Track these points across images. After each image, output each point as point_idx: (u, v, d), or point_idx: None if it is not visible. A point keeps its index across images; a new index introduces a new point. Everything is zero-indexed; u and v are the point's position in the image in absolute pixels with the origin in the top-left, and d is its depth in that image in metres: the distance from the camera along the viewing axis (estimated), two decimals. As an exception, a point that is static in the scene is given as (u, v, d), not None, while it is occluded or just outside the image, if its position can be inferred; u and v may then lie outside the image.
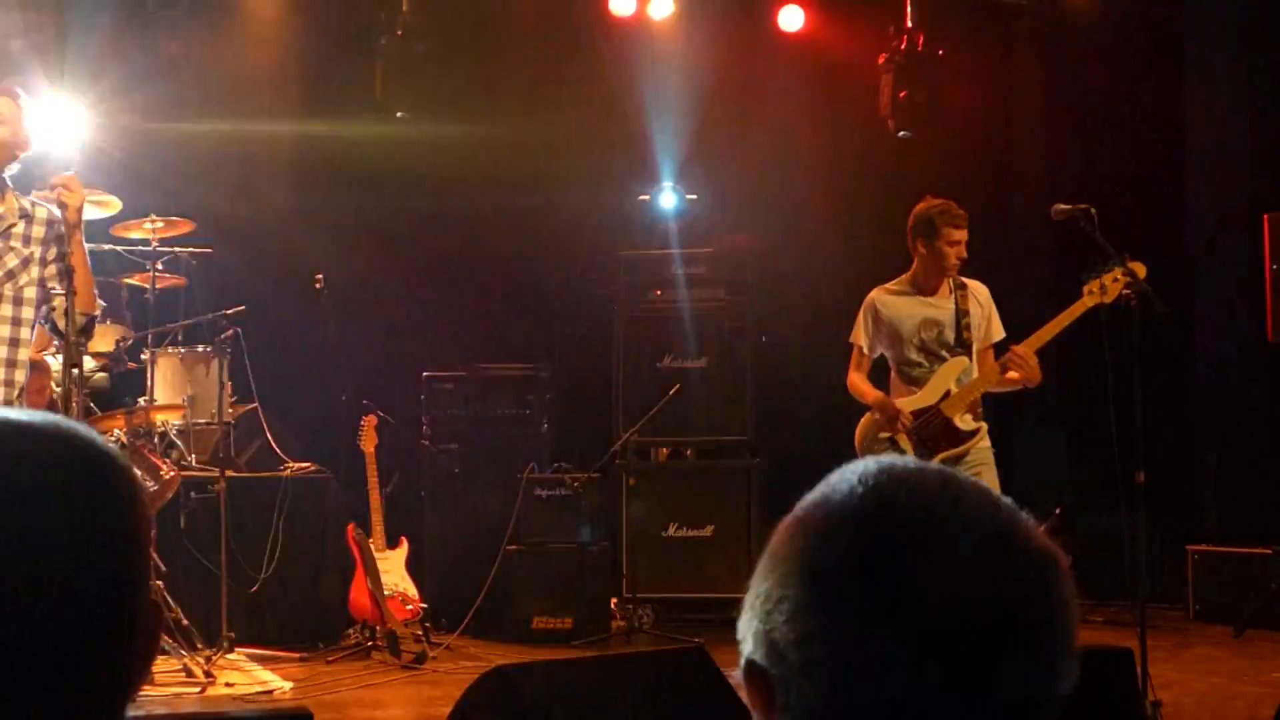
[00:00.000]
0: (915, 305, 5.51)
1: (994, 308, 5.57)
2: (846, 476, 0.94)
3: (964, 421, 5.41)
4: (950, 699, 0.84)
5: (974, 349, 5.48)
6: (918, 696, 0.85)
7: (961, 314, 5.46)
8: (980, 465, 5.39)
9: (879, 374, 5.67)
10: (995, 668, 0.85)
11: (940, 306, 5.49)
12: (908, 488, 0.91)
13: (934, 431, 5.38)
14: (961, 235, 5.40)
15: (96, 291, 5.00)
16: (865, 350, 5.61)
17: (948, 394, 5.41)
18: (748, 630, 0.93)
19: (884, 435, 5.45)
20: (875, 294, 5.61)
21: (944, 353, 5.47)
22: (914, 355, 5.49)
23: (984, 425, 5.45)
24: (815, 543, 0.90)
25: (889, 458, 0.95)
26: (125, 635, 0.95)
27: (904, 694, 0.85)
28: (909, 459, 0.95)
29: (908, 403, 5.44)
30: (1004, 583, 0.87)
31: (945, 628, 0.85)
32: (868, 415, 5.55)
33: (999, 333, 5.55)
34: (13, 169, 4.80)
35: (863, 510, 0.90)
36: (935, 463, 1.03)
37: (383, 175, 8.39)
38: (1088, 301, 5.19)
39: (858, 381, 5.62)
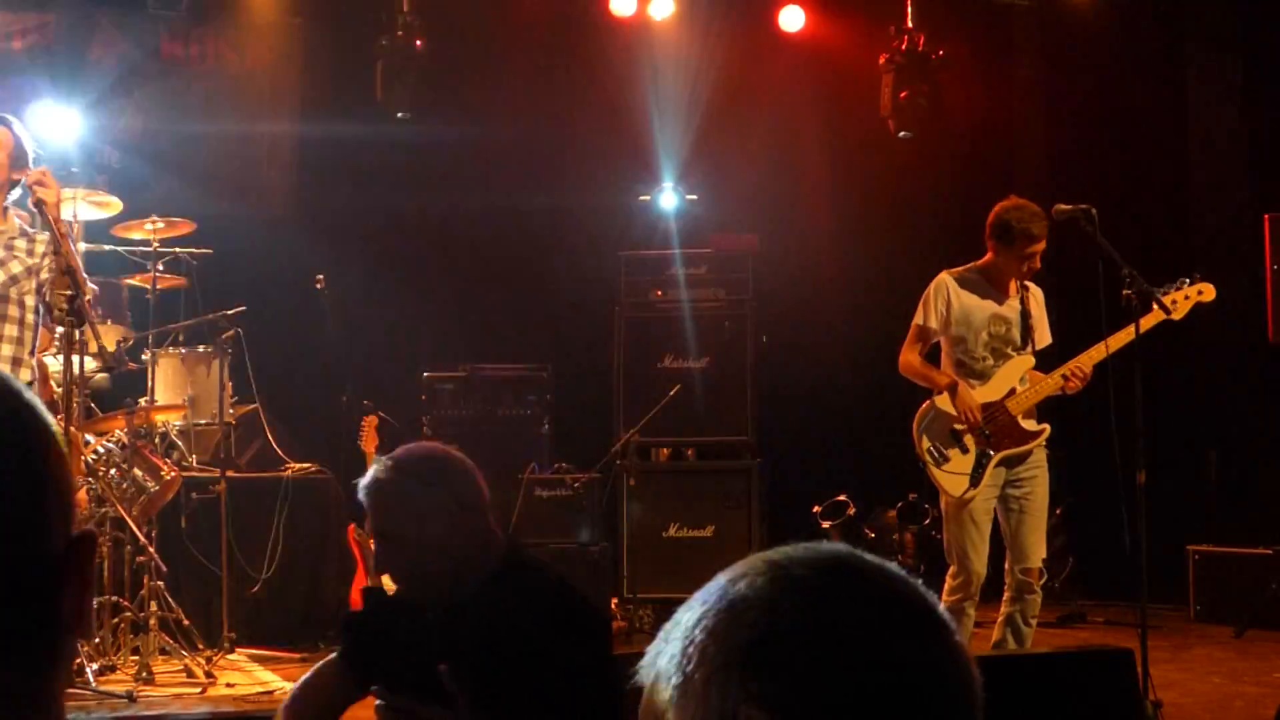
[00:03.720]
0: (986, 298, 5.36)
1: (1044, 314, 5.49)
2: (758, 573, 0.97)
3: (1027, 422, 5.33)
4: None
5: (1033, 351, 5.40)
6: None
7: (1026, 314, 5.36)
8: (1038, 468, 5.34)
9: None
10: None
11: (1009, 304, 5.36)
12: (846, 567, 0.95)
13: (998, 428, 5.27)
14: (1038, 246, 5.21)
15: (96, 288, 5.12)
16: (934, 334, 5.38)
17: (1012, 392, 5.31)
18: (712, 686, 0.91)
19: (959, 427, 5.28)
20: (948, 278, 5.38)
21: (1010, 351, 5.35)
22: (980, 350, 5.33)
23: (1047, 427, 5.35)
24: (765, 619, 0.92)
25: (778, 551, 0.97)
26: (50, 568, 0.91)
27: None
28: (791, 547, 0.97)
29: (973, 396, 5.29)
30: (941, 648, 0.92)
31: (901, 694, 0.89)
32: (935, 400, 5.36)
33: (1047, 338, 5.49)
34: (14, 194, 5.00)
35: (812, 589, 0.94)
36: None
37: (383, 175, 8.39)
38: (1158, 315, 5.11)
39: (920, 363, 5.39)
